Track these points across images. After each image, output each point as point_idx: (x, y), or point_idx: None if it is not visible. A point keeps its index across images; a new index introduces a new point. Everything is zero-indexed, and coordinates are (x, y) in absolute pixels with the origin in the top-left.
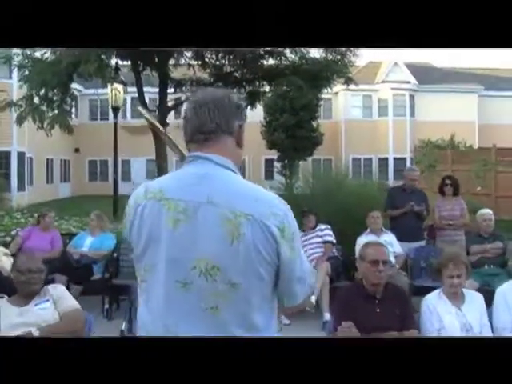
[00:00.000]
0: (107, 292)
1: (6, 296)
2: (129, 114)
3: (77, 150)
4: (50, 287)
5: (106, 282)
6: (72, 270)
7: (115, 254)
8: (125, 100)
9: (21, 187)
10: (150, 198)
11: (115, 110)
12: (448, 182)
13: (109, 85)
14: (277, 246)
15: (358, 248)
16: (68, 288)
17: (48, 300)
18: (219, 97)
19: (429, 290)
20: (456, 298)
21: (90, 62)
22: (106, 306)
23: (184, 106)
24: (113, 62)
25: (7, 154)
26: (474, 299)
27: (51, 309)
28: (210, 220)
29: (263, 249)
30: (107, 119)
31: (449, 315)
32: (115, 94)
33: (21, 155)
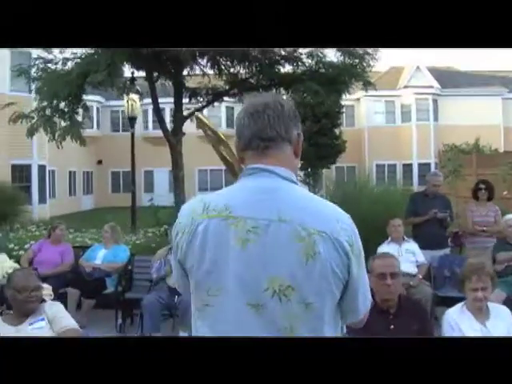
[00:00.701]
0: (120, 306)
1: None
2: (150, 125)
3: (99, 162)
4: (47, 305)
5: (119, 296)
6: (84, 284)
7: (129, 267)
8: (146, 111)
9: (42, 200)
10: (213, 217)
11: (132, 120)
12: (482, 186)
13: (124, 95)
14: (348, 262)
15: None
16: (80, 302)
17: (43, 319)
18: (277, 103)
19: (454, 300)
20: (480, 312)
21: (99, 71)
22: (120, 320)
23: (238, 113)
24: (128, 72)
25: (28, 168)
26: (500, 314)
27: (46, 328)
28: (282, 238)
29: (336, 266)
30: (129, 130)
31: (472, 332)
32: (131, 105)
33: (41, 168)
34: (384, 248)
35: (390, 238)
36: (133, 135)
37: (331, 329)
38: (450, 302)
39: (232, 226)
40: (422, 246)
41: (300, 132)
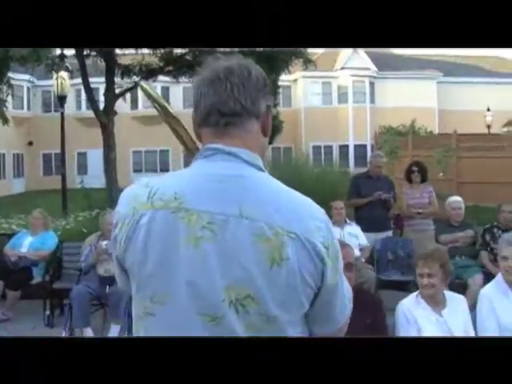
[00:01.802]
0: (48, 297)
1: None
2: (84, 105)
3: (30, 144)
4: None
5: (47, 286)
6: (9, 274)
7: (57, 255)
8: (79, 91)
9: None
10: (160, 207)
11: (61, 99)
12: (415, 168)
13: (54, 73)
14: (323, 268)
15: None
16: (4, 294)
17: None
18: (243, 68)
19: (397, 283)
20: (435, 301)
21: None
22: (48, 312)
23: (195, 80)
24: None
25: None
26: (456, 303)
27: None
28: (243, 238)
29: (307, 273)
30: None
31: (428, 324)
32: (61, 83)
33: None
34: None
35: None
36: (62, 115)
37: None
38: (394, 285)
39: (182, 221)
40: (365, 229)
41: (270, 104)
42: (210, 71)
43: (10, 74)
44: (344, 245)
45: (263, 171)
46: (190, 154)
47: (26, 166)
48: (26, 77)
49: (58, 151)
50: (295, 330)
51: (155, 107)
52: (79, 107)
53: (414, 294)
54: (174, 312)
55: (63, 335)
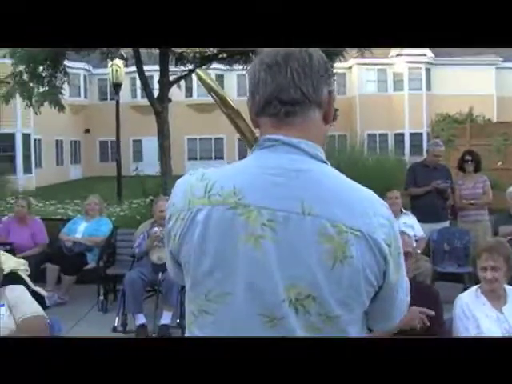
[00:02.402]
0: (102, 282)
1: None
2: (139, 93)
3: (87, 131)
4: (7, 289)
5: (101, 272)
6: (64, 259)
7: (112, 241)
8: (134, 79)
9: (27, 170)
10: (217, 203)
11: (116, 86)
12: (468, 157)
13: (108, 61)
14: (385, 267)
15: None
16: (59, 278)
17: (3, 305)
18: (304, 53)
19: (454, 276)
20: (496, 297)
21: None
22: (101, 297)
23: (252, 65)
24: None
25: (12, 136)
26: None
27: (5, 315)
28: (305, 236)
29: (370, 271)
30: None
31: (487, 320)
32: (116, 71)
33: (26, 137)
34: None
35: None
36: (118, 103)
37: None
38: (450, 277)
39: (242, 218)
40: (421, 219)
41: (332, 89)
42: (268, 56)
43: (65, 63)
44: (401, 233)
45: (325, 163)
46: (249, 146)
47: (82, 152)
48: (83, 65)
49: (114, 138)
50: (355, 329)
51: (212, 96)
52: (134, 95)
53: (474, 288)
54: (231, 312)
55: (115, 322)
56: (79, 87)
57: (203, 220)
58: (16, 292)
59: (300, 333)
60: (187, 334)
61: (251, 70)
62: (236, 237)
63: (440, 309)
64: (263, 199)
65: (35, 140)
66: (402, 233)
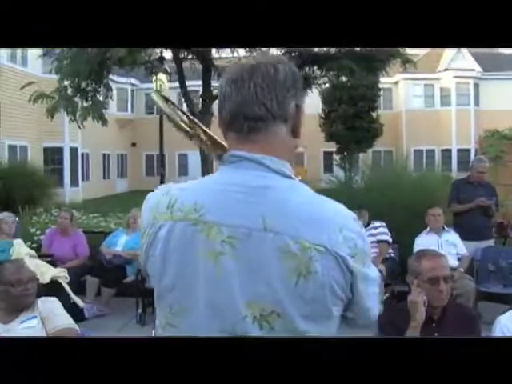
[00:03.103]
0: (140, 295)
1: None
2: (184, 107)
3: (134, 145)
4: (40, 301)
5: (140, 285)
6: (104, 272)
7: None
8: (179, 94)
9: (74, 183)
10: (179, 219)
11: None
12: None
13: (153, 75)
14: (352, 279)
15: (416, 248)
16: (99, 290)
17: (35, 317)
18: (269, 66)
19: (498, 297)
20: None
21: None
22: (140, 310)
23: (220, 80)
24: (156, 52)
25: (60, 150)
26: None
27: (38, 327)
28: (267, 253)
29: (337, 285)
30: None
31: None
32: (160, 85)
33: (73, 151)
34: (422, 239)
35: (428, 228)
36: (161, 117)
37: None
38: (494, 298)
39: (202, 235)
40: (464, 237)
41: (300, 103)
42: (234, 70)
43: (112, 77)
44: (439, 255)
45: (291, 178)
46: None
47: (129, 166)
48: (130, 80)
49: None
50: None
51: (168, 117)
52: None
53: None
54: (192, 327)
55: (153, 333)
56: (126, 101)
57: (165, 235)
58: (48, 304)
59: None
60: None
61: (219, 85)
62: (196, 253)
63: (479, 331)
64: (224, 216)
65: (82, 154)
66: (440, 255)
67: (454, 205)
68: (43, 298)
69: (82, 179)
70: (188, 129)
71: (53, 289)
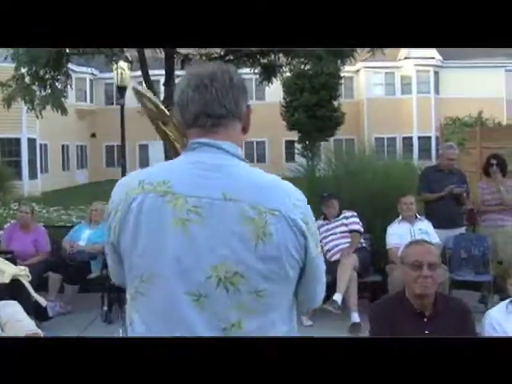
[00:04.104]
0: (106, 292)
1: None
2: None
3: (93, 135)
4: None
5: (105, 281)
6: (66, 268)
7: None
8: (140, 83)
9: (32, 175)
10: (149, 191)
11: (121, 90)
12: (493, 161)
13: (113, 63)
14: (305, 242)
15: (389, 238)
16: (62, 287)
17: None
18: (226, 74)
19: (472, 284)
20: None
21: None
22: (105, 307)
23: (179, 84)
24: None
25: (17, 141)
26: None
27: None
28: (228, 219)
29: (292, 246)
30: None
31: None
32: (121, 73)
33: (31, 142)
34: (395, 228)
35: (400, 217)
36: (122, 107)
37: (285, 322)
38: (468, 286)
39: (170, 204)
40: (436, 225)
41: (249, 105)
42: (195, 78)
43: (70, 66)
44: (426, 242)
45: (244, 161)
46: (175, 152)
47: (89, 157)
48: (89, 70)
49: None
50: (284, 309)
51: (146, 108)
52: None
53: (504, 302)
54: (161, 291)
55: (120, 332)
56: (85, 91)
57: (136, 206)
58: (8, 309)
59: (229, 313)
60: (127, 322)
61: (179, 88)
62: (165, 221)
63: (472, 326)
64: (189, 189)
65: (41, 145)
66: (426, 242)
67: (425, 193)
68: (3, 302)
69: (41, 171)
70: (165, 121)
71: (14, 288)
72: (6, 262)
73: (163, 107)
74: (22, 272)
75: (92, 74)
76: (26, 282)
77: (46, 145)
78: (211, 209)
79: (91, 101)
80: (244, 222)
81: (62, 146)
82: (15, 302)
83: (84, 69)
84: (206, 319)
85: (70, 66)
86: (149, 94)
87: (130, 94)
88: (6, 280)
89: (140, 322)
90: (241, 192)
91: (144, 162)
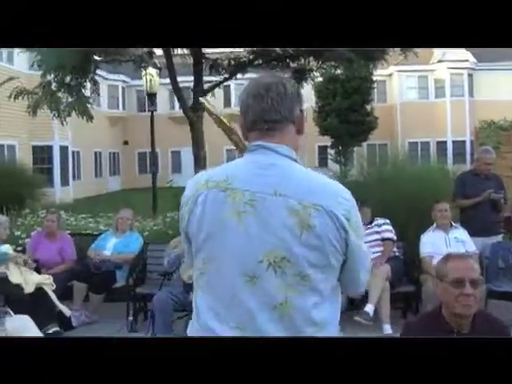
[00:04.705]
0: (131, 301)
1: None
2: (177, 104)
3: (126, 143)
4: (8, 320)
5: (130, 291)
6: (92, 277)
7: (142, 258)
8: (172, 91)
9: (64, 182)
10: (212, 187)
11: (151, 96)
12: None
13: (142, 70)
14: (346, 235)
15: (422, 246)
16: (87, 297)
17: None
18: (280, 85)
19: (510, 295)
20: None
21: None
22: (130, 317)
23: (241, 94)
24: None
25: (49, 149)
26: None
27: None
28: (278, 212)
29: (333, 238)
30: (156, 110)
31: None
32: (150, 80)
33: (63, 149)
34: (429, 236)
35: (435, 225)
36: (152, 113)
37: (328, 303)
38: (506, 297)
39: (229, 198)
40: (472, 233)
41: (303, 109)
42: (252, 88)
43: (102, 74)
44: (466, 257)
45: (295, 161)
46: (241, 152)
47: (121, 164)
48: (120, 77)
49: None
50: (325, 286)
51: (215, 120)
52: (172, 106)
53: None
54: (220, 272)
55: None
56: (117, 98)
57: (202, 201)
58: (16, 321)
59: (277, 292)
60: (193, 299)
61: (241, 98)
62: (225, 212)
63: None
64: (246, 184)
65: (73, 152)
66: (467, 256)
67: (460, 199)
68: (14, 317)
69: (73, 178)
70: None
71: (38, 297)
72: (31, 270)
73: (225, 120)
74: (47, 281)
75: (124, 81)
76: (50, 290)
77: (78, 152)
78: (263, 202)
79: (123, 108)
80: (291, 215)
81: (95, 153)
82: (27, 317)
83: (116, 76)
84: (258, 297)
85: (101, 73)
86: (212, 107)
87: (160, 101)
88: (31, 289)
89: (203, 299)
90: (289, 188)
91: (176, 168)
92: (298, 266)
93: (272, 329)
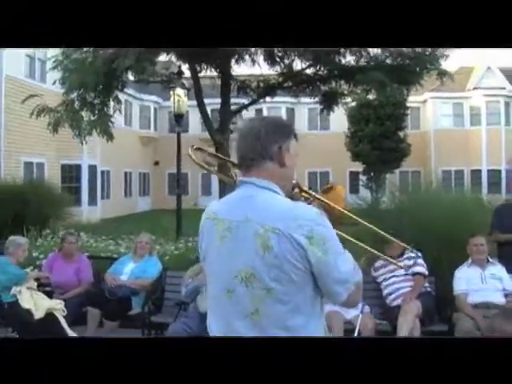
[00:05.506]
0: (147, 330)
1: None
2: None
3: (156, 163)
4: None
5: (146, 319)
6: (106, 303)
7: (160, 284)
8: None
9: (91, 202)
10: (208, 218)
11: (178, 117)
12: None
13: (170, 91)
14: (305, 253)
15: (456, 283)
16: (101, 323)
17: None
18: (260, 128)
19: None
20: None
21: (127, 56)
22: None
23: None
24: (174, 66)
25: (78, 168)
26: None
27: None
28: (247, 235)
29: (292, 257)
30: (187, 131)
31: None
32: (177, 101)
33: (92, 168)
34: (463, 272)
35: (470, 260)
36: (179, 135)
37: (300, 316)
38: None
39: (216, 226)
40: (511, 270)
41: (282, 144)
42: (241, 130)
43: (134, 94)
44: None
45: (274, 191)
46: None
47: (151, 184)
48: (153, 97)
49: (184, 171)
50: (293, 299)
51: (208, 165)
52: (204, 128)
53: None
54: (212, 285)
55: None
56: (149, 119)
57: (202, 228)
58: None
59: (249, 303)
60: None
61: (235, 139)
62: (213, 237)
63: None
64: (227, 214)
65: (102, 172)
66: None
67: (498, 233)
68: None
69: (102, 197)
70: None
71: (47, 323)
72: (42, 294)
73: (219, 154)
74: (58, 306)
75: (156, 102)
76: (60, 316)
77: (108, 171)
78: (238, 228)
79: (155, 128)
80: (256, 238)
81: (125, 173)
82: None
83: (148, 96)
84: (234, 307)
85: (133, 93)
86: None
87: (192, 122)
88: (41, 315)
89: (207, 305)
90: (257, 215)
91: (206, 190)
92: (263, 281)
93: (248, 332)
